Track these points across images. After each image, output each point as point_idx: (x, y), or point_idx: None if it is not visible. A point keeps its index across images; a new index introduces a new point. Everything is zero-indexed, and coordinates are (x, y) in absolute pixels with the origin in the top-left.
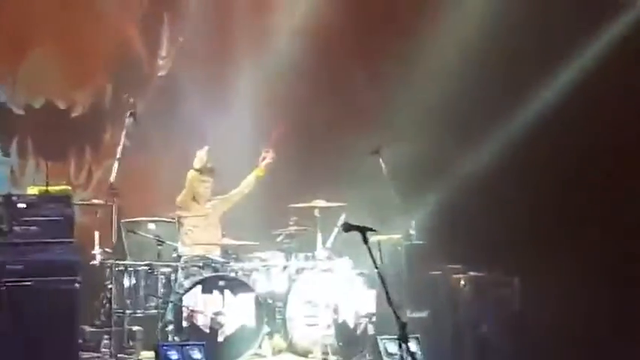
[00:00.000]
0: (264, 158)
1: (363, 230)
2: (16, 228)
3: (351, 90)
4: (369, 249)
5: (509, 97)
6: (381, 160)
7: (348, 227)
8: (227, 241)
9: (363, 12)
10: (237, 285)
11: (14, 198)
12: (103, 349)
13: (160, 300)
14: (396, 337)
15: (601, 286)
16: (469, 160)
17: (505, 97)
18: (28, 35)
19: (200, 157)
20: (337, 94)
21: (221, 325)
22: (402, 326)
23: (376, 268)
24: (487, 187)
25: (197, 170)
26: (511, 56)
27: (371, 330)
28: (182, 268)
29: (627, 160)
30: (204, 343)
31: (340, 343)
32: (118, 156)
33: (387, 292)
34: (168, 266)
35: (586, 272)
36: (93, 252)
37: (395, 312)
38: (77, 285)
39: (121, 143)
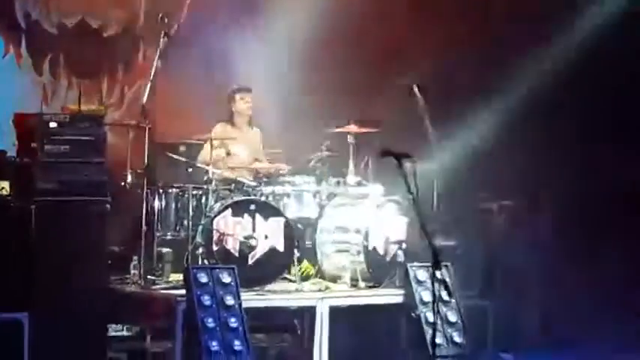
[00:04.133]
0: None
1: (399, 157)
2: (48, 147)
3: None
4: (405, 175)
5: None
6: (417, 90)
7: (384, 153)
8: (259, 164)
9: None
10: (267, 209)
11: (46, 117)
12: (132, 271)
13: (191, 223)
14: (426, 264)
15: None
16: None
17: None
18: None
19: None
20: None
21: (251, 249)
22: (436, 253)
23: (410, 194)
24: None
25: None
26: None
27: (401, 257)
28: (213, 191)
29: None
30: (234, 267)
31: (370, 270)
32: (150, 77)
33: (420, 219)
34: (199, 189)
35: None
36: (124, 173)
37: (429, 239)
38: (107, 206)
39: (154, 64)
